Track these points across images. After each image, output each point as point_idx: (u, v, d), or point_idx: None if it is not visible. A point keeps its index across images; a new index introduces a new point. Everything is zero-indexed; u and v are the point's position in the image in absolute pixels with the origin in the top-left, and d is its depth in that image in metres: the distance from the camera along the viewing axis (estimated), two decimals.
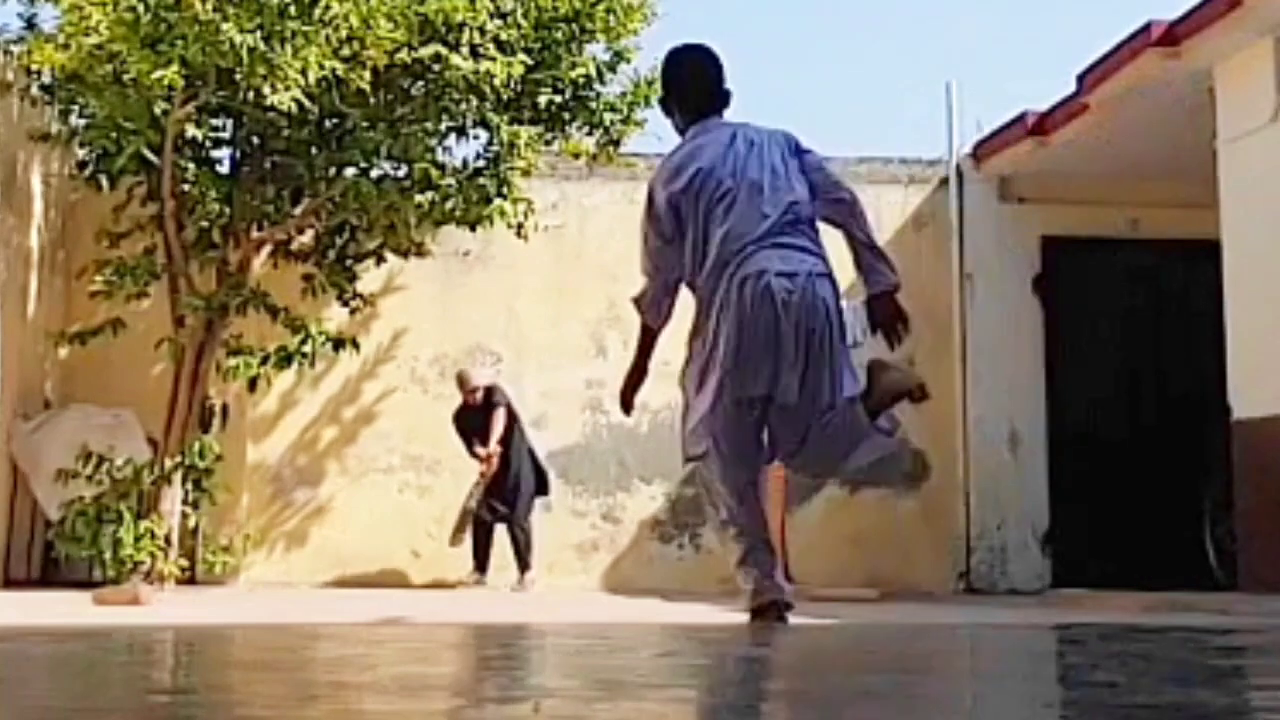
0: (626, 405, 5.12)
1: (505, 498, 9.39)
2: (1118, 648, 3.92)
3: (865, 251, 4.87)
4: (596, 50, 8.95)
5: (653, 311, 5.02)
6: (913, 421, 10.41)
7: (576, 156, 9.27)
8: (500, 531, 9.50)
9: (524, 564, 9.39)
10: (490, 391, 9.57)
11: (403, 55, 8.11)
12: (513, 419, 9.52)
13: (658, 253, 4.90)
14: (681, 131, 5.04)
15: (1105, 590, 8.38)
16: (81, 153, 9.08)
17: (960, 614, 7.13)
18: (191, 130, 8.23)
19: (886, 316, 4.87)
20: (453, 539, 9.48)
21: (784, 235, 4.71)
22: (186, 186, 8.62)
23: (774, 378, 4.65)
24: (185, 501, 8.75)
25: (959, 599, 9.36)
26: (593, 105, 8.98)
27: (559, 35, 8.69)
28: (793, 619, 4.77)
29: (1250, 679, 3.13)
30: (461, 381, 9.61)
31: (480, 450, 9.39)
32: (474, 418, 9.54)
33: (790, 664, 3.56)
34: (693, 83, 5.01)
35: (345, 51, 7.91)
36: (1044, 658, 3.88)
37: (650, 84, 9.08)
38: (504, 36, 8.45)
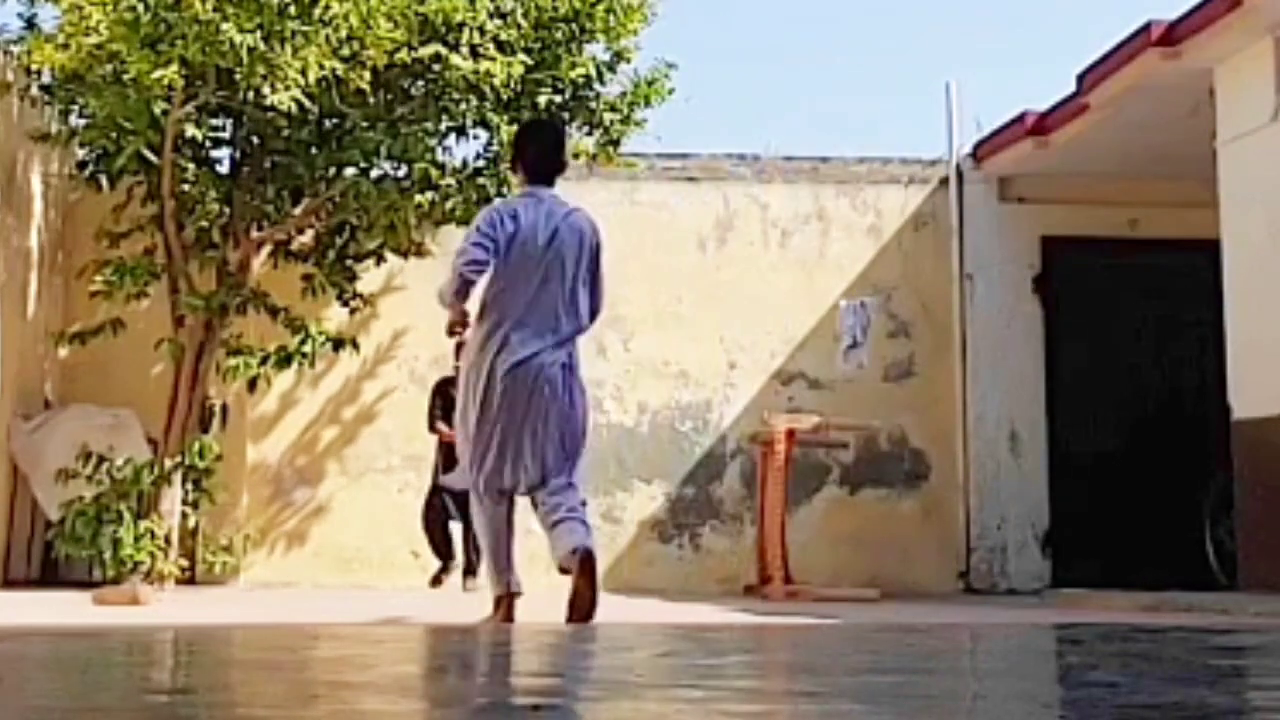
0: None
1: (458, 496, 9.25)
2: (1118, 648, 3.92)
3: None
4: (596, 50, 8.94)
5: (462, 295, 5.49)
6: (913, 421, 10.48)
7: (576, 156, 9.25)
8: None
9: (476, 566, 9.28)
10: None
11: (402, 55, 8.11)
12: None
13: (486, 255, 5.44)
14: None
15: (1105, 590, 8.37)
16: (81, 153, 9.07)
17: (960, 614, 7.13)
18: (191, 130, 8.23)
19: None
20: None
21: (549, 334, 5.54)
22: (186, 186, 8.61)
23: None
24: (185, 501, 8.75)
25: (959, 599, 9.36)
26: (592, 105, 8.98)
27: (559, 35, 8.68)
28: (793, 619, 4.77)
29: (1250, 679, 3.13)
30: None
31: None
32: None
33: (792, 664, 3.56)
34: (540, 153, 5.75)
35: (345, 51, 7.90)
36: (1044, 657, 3.88)
37: (651, 84, 9.08)
38: (504, 36, 8.45)
